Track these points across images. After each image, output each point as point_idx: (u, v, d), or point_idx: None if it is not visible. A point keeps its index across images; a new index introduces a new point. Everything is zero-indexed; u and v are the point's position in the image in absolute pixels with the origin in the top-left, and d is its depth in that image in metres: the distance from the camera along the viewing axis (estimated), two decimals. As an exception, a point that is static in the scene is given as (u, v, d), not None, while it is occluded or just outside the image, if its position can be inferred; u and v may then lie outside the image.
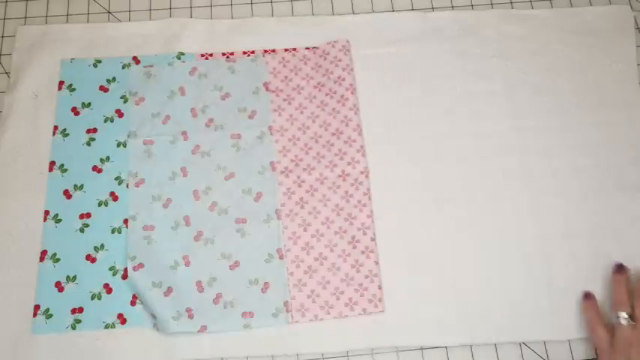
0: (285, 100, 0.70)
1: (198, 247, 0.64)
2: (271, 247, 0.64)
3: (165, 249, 0.63)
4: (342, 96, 0.69)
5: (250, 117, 0.69)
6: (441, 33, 0.73)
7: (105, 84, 0.70)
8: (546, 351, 0.62)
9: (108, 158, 0.67)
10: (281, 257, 0.64)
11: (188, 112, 0.69)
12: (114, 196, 0.65)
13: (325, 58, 0.71)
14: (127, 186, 0.66)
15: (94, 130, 0.68)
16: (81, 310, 0.61)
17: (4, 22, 0.74)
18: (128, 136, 0.68)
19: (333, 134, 0.68)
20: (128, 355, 0.60)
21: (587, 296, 0.62)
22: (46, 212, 0.64)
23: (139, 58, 0.71)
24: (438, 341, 0.62)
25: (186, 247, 0.64)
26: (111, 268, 0.63)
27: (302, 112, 0.69)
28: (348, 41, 0.71)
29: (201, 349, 0.60)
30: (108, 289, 0.62)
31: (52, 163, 0.66)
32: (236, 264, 0.63)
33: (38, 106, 0.69)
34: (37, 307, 0.61)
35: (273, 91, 0.70)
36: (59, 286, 0.62)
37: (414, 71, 0.71)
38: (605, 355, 0.58)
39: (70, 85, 0.70)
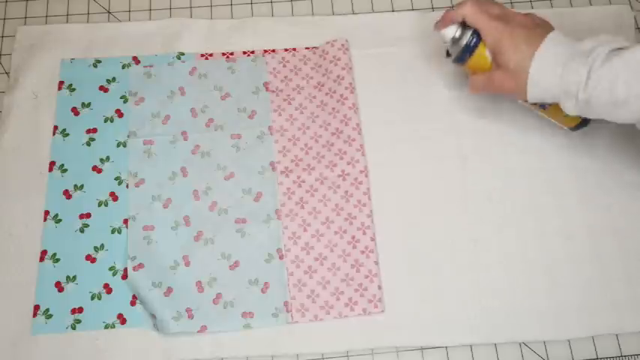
0: (285, 100, 0.70)
1: (198, 247, 0.64)
2: (271, 247, 0.64)
3: (166, 249, 0.63)
4: (341, 95, 0.69)
5: (250, 117, 0.69)
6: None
7: (105, 84, 0.70)
8: (546, 351, 0.62)
9: (108, 158, 0.67)
10: (281, 257, 0.63)
11: (188, 112, 0.69)
12: (114, 196, 0.65)
13: (325, 58, 0.71)
14: (127, 186, 0.66)
15: (94, 130, 0.68)
16: (81, 310, 0.61)
17: (4, 22, 0.74)
18: (128, 136, 0.68)
19: (333, 134, 0.68)
20: (128, 355, 0.60)
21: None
22: (46, 212, 0.64)
23: (139, 58, 0.71)
24: (438, 341, 0.62)
25: (186, 247, 0.64)
26: (111, 268, 0.63)
27: (302, 112, 0.69)
28: (346, 40, 0.71)
29: (201, 349, 0.60)
30: (108, 289, 0.62)
31: (52, 163, 0.66)
32: (236, 264, 0.63)
33: (38, 106, 0.69)
34: (36, 307, 0.61)
35: (273, 91, 0.70)
36: (59, 286, 0.62)
37: (414, 71, 0.71)
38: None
39: (70, 85, 0.70)
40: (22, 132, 0.68)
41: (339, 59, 0.70)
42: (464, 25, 0.61)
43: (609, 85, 0.52)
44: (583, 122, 0.61)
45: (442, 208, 0.66)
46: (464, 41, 0.60)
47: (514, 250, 0.64)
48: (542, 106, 0.61)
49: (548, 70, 0.55)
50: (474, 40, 0.60)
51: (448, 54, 0.64)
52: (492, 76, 0.60)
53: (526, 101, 0.60)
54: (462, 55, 0.61)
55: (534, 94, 0.57)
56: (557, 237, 0.65)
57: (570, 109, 0.56)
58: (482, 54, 0.60)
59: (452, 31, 0.61)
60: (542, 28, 0.57)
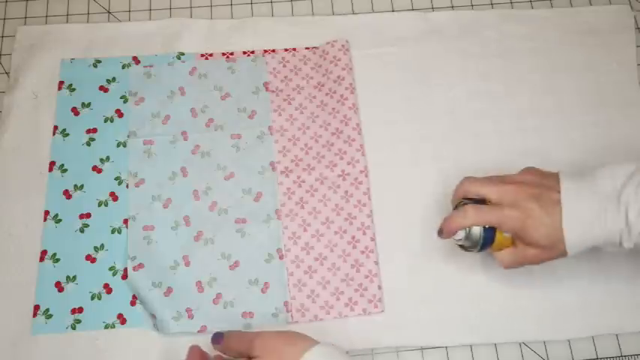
0: (285, 100, 0.70)
1: (198, 247, 0.64)
2: (271, 247, 0.64)
3: (165, 249, 0.63)
4: (341, 95, 0.69)
5: (250, 117, 0.69)
6: (441, 33, 0.73)
7: (105, 84, 0.70)
8: (546, 351, 0.62)
9: (108, 158, 0.67)
10: (281, 257, 0.63)
11: (188, 112, 0.69)
12: (114, 196, 0.65)
13: (325, 58, 0.71)
14: (127, 186, 0.66)
15: (94, 130, 0.68)
16: (81, 310, 0.61)
17: (4, 22, 0.74)
18: (128, 136, 0.68)
19: (333, 134, 0.68)
20: (128, 355, 0.60)
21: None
22: (46, 212, 0.64)
23: (139, 58, 0.71)
24: (438, 341, 0.62)
25: (186, 247, 0.64)
26: (111, 268, 0.63)
27: (302, 112, 0.69)
28: (347, 41, 0.71)
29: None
30: (108, 289, 0.62)
31: (52, 163, 0.66)
32: (236, 264, 0.63)
33: (38, 106, 0.69)
34: (36, 307, 0.61)
35: (273, 91, 0.70)
36: (59, 286, 0.62)
37: (414, 71, 0.71)
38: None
39: (70, 85, 0.70)
40: (22, 132, 0.68)
41: (339, 59, 0.70)
42: None
43: None
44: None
45: (442, 208, 0.66)
46: (477, 237, 0.55)
47: (514, 250, 0.64)
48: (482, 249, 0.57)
49: (584, 232, 0.51)
50: (488, 231, 0.55)
51: (463, 248, 0.58)
52: (525, 254, 0.54)
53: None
54: (482, 247, 0.56)
55: (574, 253, 0.53)
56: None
57: (618, 252, 0.53)
58: (501, 235, 0.55)
59: (461, 233, 0.56)
60: (547, 187, 0.53)
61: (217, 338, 0.54)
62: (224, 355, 0.54)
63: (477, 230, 0.55)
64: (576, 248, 0.52)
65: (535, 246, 0.53)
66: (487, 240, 0.55)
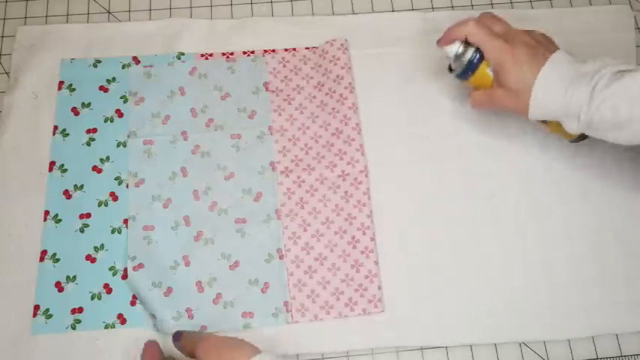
0: (285, 100, 0.70)
1: (198, 247, 0.64)
2: (271, 247, 0.64)
3: (165, 249, 0.63)
4: (341, 95, 0.69)
5: (250, 117, 0.69)
6: (441, 33, 0.73)
7: (105, 84, 0.70)
8: (546, 351, 0.62)
9: (108, 158, 0.67)
10: (281, 257, 0.64)
11: (188, 112, 0.69)
12: (114, 196, 0.65)
13: (324, 57, 0.71)
14: (127, 186, 0.66)
15: (94, 130, 0.68)
16: (81, 310, 0.61)
17: (4, 22, 0.74)
18: (128, 136, 0.68)
19: (333, 134, 0.68)
20: (128, 355, 0.60)
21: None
22: (46, 212, 0.64)
23: (139, 58, 0.71)
24: (438, 341, 0.62)
25: (186, 247, 0.64)
26: (111, 268, 0.63)
27: (302, 112, 0.69)
28: (346, 40, 0.71)
29: (201, 349, 0.60)
30: (108, 289, 0.62)
31: (52, 163, 0.66)
32: (236, 264, 0.63)
33: (38, 106, 0.69)
34: (36, 307, 0.61)
35: (273, 91, 0.70)
36: (59, 286, 0.62)
37: (414, 71, 0.71)
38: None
39: (70, 85, 0.70)
40: (22, 132, 0.68)
41: (338, 59, 0.70)
42: (467, 42, 0.60)
43: (612, 108, 0.52)
44: (582, 135, 0.60)
45: (442, 207, 0.66)
46: (466, 58, 0.60)
47: (514, 250, 0.64)
48: (543, 120, 0.61)
49: (551, 90, 0.55)
50: (477, 57, 0.60)
51: (450, 69, 0.63)
52: (494, 94, 0.59)
53: None
54: (465, 72, 0.61)
55: (536, 113, 0.57)
56: (557, 237, 0.65)
57: (572, 129, 0.55)
58: (484, 71, 0.60)
59: (455, 47, 0.61)
60: (545, 47, 0.57)
61: (177, 336, 0.56)
62: (176, 357, 0.56)
63: (470, 52, 0.60)
64: (537, 106, 0.56)
65: (505, 87, 0.57)
66: (473, 63, 0.60)
